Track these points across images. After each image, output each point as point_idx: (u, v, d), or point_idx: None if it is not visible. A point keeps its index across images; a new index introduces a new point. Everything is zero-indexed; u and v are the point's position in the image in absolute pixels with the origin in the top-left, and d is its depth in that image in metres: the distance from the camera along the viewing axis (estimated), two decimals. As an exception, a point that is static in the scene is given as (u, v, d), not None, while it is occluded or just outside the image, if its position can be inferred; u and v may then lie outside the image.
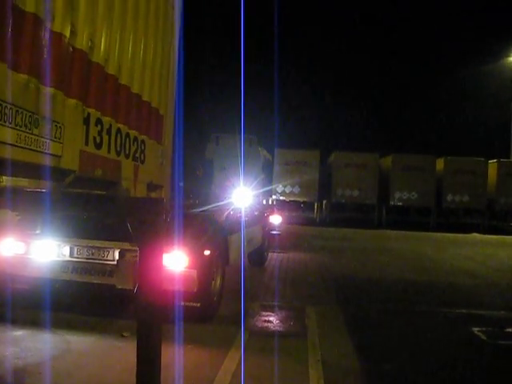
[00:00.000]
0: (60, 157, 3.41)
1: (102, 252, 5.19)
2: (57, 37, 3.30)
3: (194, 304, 5.35)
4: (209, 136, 18.19)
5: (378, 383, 4.47)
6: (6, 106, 2.77)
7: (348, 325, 6.39)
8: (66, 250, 5.21)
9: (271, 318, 6.57)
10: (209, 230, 5.87)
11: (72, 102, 3.58)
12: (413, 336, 6.17)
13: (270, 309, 7.05)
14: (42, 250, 5.21)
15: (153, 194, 5.39)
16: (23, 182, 3.17)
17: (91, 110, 3.87)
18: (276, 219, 18.25)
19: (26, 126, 2.97)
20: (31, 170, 3.22)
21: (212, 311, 6.02)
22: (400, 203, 27.47)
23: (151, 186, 5.37)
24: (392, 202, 27.44)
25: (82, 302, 6.30)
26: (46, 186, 3.45)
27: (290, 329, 6.18)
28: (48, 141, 3.23)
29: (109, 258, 5.18)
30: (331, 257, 13.41)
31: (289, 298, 7.75)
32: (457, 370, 4.85)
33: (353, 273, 11.03)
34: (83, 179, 3.96)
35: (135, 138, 4.78)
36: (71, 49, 3.51)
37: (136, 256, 4.86)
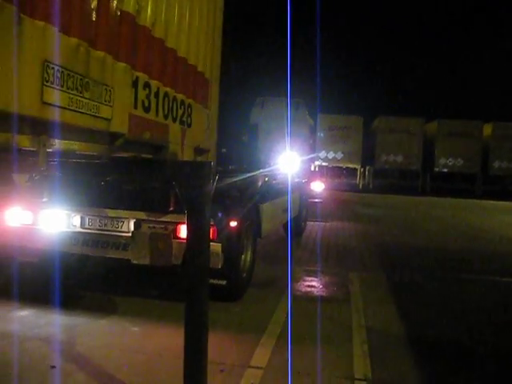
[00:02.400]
0: (110, 120, 3.44)
1: (115, 222, 4.77)
2: (105, 0, 3.27)
3: (220, 282, 4.90)
4: (254, 100, 17.88)
5: (421, 349, 4.40)
6: (57, 69, 2.79)
7: (392, 291, 6.34)
8: (77, 219, 4.82)
9: (314, 284, 6.58)
10: (236, 199, 5.40)
11: (121, 65, 3.59)
12: (459, 303, 6.06)
13: (314, 274, 7.05)
14: (50, 220, 4.84)
15: (200, 159, 5.39)
16: (74, 146, 3.21)
17: (139, 74, 3.88)
18: (318, 186, 18.08)
19: (77, 89, 2.99)
20: (82, 133, 3.27)
21: (241, 289, 5.52)
22: (445, 169, 26.84)
23: (198, 151, 5.37)
24: (437, 169, 26.85)
25: (94, 277, 5.96)
26: (96, 149, 3.50)
27: (333, 294, 6.18)
28: (98, 104, 3.25)
29: (123, 229, 4.76)
30: (374, 224, 13.25)
31: (332, 264, 7.74)
32: (508, 338, 4.74)
33: (397, 240, 10.89)
34: (132, 143, 3.98)
35: (182, 102, 4.77)
36: (119, 12, 3.49)
37: (154, 227, 4.60)
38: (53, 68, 2.76)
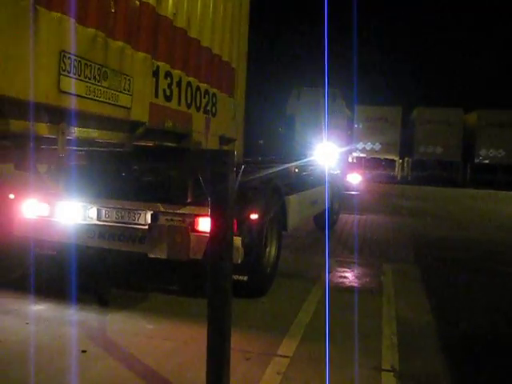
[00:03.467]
0: (129, 109, 3.49)
1: (132, 214, 4.63)
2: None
3: (240, 277, 4.72)
4: (291, 91, 17.70)
5: (451, 342, 4.34)
6: (74, 59, 2.85)
7: (425, 283, 6.23)
8: (93, 211, 4.70)
9: (347, 274, 6.54)
10: (259, 190, 5.20)
11: (140, 55, 3.63)
12: (494, 297, 5.90)
13: (346, 265, 7.01)
14: (66, 213, 4.75)
15: (225, 148, 5.38)
16: (94, 134, 3.28)
17: (160, 63, 3.91)
18: (354, 178, 17.81)
19: (94, 78, 3.06)
20: (101, 122, 3.34)
21: (264, 285, 5.31)
22: (486, 161, 26.11)
23: (224, 140, 5.37)
24: (477, 160, 26.16)
25: (111, 271, 5.85)
26: (116, 138, 3.54)
27: (365, 285, 6.13)
28: (117, 93, 3.30)
29: (140, 221, 4.61)
30: (412, 217, 13.01)
31: (365, 256, 7.64)
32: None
33: (434, 233, 10.69)
34: (154, 131, 4.02)
35: (206, 91, 4.78)
36: (138, 3, 3.51)
37: (171, 220, 4.47)
38: (69, 58, 2.84)
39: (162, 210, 4.51)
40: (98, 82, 3.07)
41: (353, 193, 16.37)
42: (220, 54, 5.08)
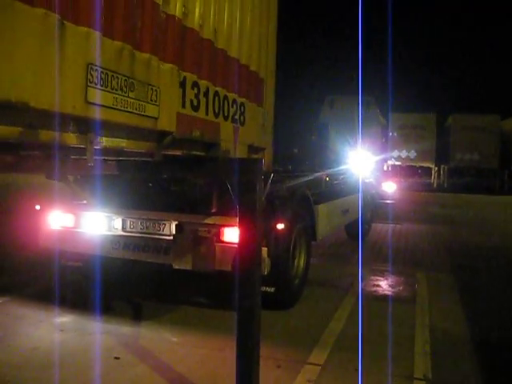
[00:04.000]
0: (157, 119, 3.56)
1: (157, 225, 4.56)
2: (149, 4, 3.42)
3: (268, 289, 4.60)
4: (323, 99, 17.63)
5: (485, 353, 4.25)
6: (101, 71, 2.96)
7: (459, 292, 6.13)
8: (118, 222, 4.65)
9: (380, 283, 6.47)
10: (286, 199, 5.11)
11: (167, 66, 3.70)
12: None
13: (380, 273, 6.93)
14: (91, 223, 4.72)
15: (254, 157, 5.40)
16: (122, 143, 3.36)
17: (187, 74, 3.98)
18: (389, 187, 17.56)
19: (121, 89, 3.14)
20: (129, 131, 3.42)
21: (292, 297, 5.19)
22: (525, 167, 25.40)
23: (253, 149, 5.40)
24: (515, 166, 25.47)
25: (137, 282, 5.85)
26: (144, 147, 3.61)
27: (398, 293, 6.06)
28: (144, 103, 3.37)
29: (165, 232, 4.54)
30: (448, 226, 12.79)
31: (400, 266, 7.53)
32: None
33: (470, 242, 10.47)
34: (182, 140, 4.08)
35: (234, 101, 4.83)
36: (164, 15, 3.60)
37: (196, 230, 4.37)
38: (96, 70, 2.92)
39: (186, 220, 4.46)
40: (125, 92, 3.15)
41: (388, 201, 16.16)
42: (248, 64, 5.14)
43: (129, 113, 3.20)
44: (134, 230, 4.60)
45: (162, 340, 4.27)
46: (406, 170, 27.75)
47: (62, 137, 2.83)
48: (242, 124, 5.06)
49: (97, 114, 2.92)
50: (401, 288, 6.27)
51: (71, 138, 2.91)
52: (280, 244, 4.70)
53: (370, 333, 4.44)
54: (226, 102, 4.66)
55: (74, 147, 3.05)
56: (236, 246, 4.02)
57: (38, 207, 4.93)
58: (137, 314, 4.91)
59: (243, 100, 5.07)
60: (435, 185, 28.14)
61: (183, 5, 3.83)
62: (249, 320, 2.99)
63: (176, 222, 4.47)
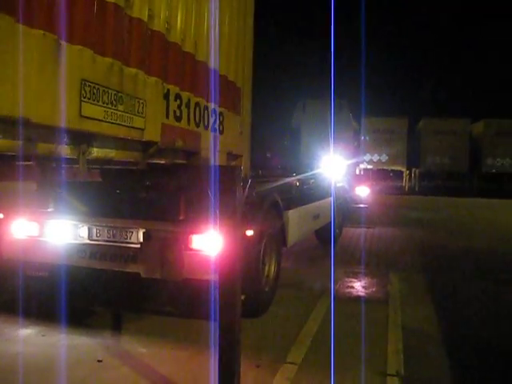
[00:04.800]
0: (143, 130, 3.76)
1: (124, 233, 4.42)
2: (136, 22, 3.62)
3: None
4: (296, 103, 17.73)
5: (456, 351, 4.44)
6: (93, 87, 3.15)
7: (431, 293, 6.34)
8: (84, 230, 4.51)
9: (354, 284, 6.67)
10: (255, 205, 5.01)
11: (152, 79, 3.90)
12: (500, 306, 5.98)
13: (353, 275, 7.13)
14: (56, 232, 4.57)
15: (233, 164, 5.58)
16: (111, 153, 3.55)
17: (170, 86, 4.18)
18: (362, 191, 17.74)
19: (111, 103, 3.33)
20: (117, 142, 3.62)
21: (262, 305, 5.09)
22: (493, 170, 26.15)
23: (231, 156, 5.58)
24: (484, 170, 26.20)
25: (104, 293, 5.46)
26: (131, 156, 3.78)
27: (371, 294, 6.25)
28: (132, 116, 3.57)
29: (132, 239, 4.40)
30: (420, 228, 13.06)
31: (372, 267, 7.75)
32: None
33: (442, 244, 10.74)
34: (165, 150, 4.26)
35: (213, 110, 5.03)
36: (149, 32, 3.79)
37: (165, 238, 4.28)
38: (89, 85, 3.12)
39: (154, 227, 4.36)
40: (115, 106, 3.34)
41: (361, 206, 16.36)
42: (226, 74, 5.33)
43: (118, 125, 3.39)
44: (100, 238, 4.47)
45: (131, 349, 4.24)
46: (378, 174, 28.13)
47: (57, 149, 3.01)
48: (221, 133, 5.25)
49: (89, 126, 3.11)
50: (374, 289, 6.47)
51: (65, 150, 3.09)
52: (249, 251, 4.57)
53: (344, 332, 4.62)
54: (206, 111, 4.85)
55: (66, 158, 3.20)
56: (203, 253, 4.16)
57: (0, 215, 4.78)
58: (104, 325, 4.88)
59: (222, 109, 5.26)
60: (407, 188, 28.67)
61: (166, 21, 4.02)
62: (230, 327, 3.12)
63: (143, 230, 4.36)
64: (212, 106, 4.98)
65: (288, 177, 7.29)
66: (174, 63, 4.19)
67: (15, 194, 4.42)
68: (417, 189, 27.99)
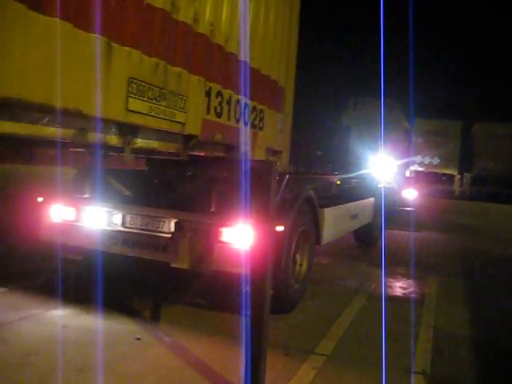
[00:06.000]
0: (184, 124, 4.06)
1: (156, 222, 4.50)
2: (181, 25, 3.91)
3: None
4: (346, 101, 17.51)
5: (484, 355, 4.48)
6: (139, 84, 3.48)
7: (468, 298, 6.29)
8: (118, 217, 4.61)
9: (391, 284, 6.68)
10: (287, 201, 5.01)
11: (195, 78, 4.19)
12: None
13: (392, 276, 7.13)
14: (91, 218, 4.69)
15: (271, 159, 5.74)
16: (154, 144, 3.88)
17: (212, 84, 4.46)
18: (410, 194, 17.36)
19: (155, 98, 3.65)
20: (160, 134, 3.92)
21: (291, 301, 5.06)
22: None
23: (270, 152, 5.76)
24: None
25: (136, 281, 5.74)
26: (172, 148, 4.12)
27: (408, 295, 6.26)
28: (174, 111, 3.88)
29: (164, 229, 4.47)
30: (468, 235, 12.75)
31: (414, 270, 7.61)
32: None
33: (486, 250, 10.50)
34: (205, 143, 4.51)
35: (254, 108, 5.27)
36: (194, 34, 4.11)
37: (197, 229, 4.31)
38: (136, 83, 3.45)
39: (186, 218, 4.42)
40: (159, 102, 3.66)
41: (408, 209, 16.04)
42: (269, 74, 5.55)
43: (161, 119, 3.71)
44: (133, 225, 4.56)
45: (168, 331, 4.43)
46: (429, 177, 27.60)
47: (105, 138, 3.35)
48: (261, 129, 5.46)
49: (135, 119, 3.46)
50: (411, 290, 6.50)
51: (112, 139, 3.43)
52: (278, 246, 4.52)
53: (376, 329, 4.71)
54: (246, 109, 5.05)
55: (112, 146, 3.54)
56: (233, 246, 4.22)
57: (40, 199, 4.97)
58: (141, 309, 5.01)
59: (263, 107, 5.47)
60: (457, 192, 27.98)
61: (211, 23, 4.28)
62: (259, 319, 3.19)
63: (175, 220, 4.43)
64: (253, 103, 5.18)
65: (330, 175, 7.31)
66: (216, 63, 4.47)
67: (54, 179, 4.60)
68: (468, 194, 27.24)
